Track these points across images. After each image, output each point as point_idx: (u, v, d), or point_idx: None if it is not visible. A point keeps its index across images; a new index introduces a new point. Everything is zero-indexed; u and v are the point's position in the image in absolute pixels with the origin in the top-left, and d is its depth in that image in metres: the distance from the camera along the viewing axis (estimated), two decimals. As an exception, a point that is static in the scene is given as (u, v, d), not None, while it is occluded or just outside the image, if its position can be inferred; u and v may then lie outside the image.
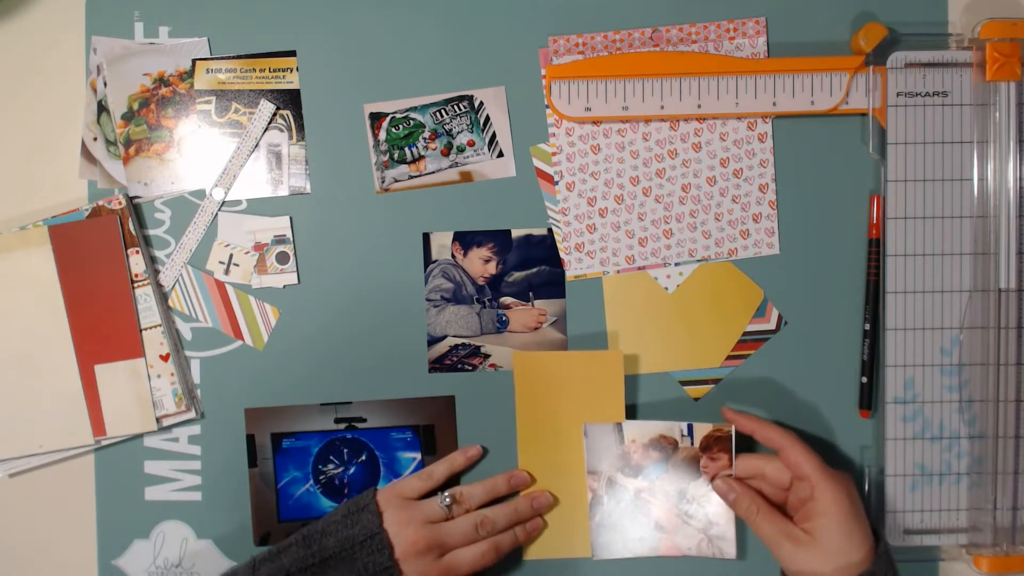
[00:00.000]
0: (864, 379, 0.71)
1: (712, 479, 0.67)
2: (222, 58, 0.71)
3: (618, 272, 0.72)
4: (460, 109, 0.71)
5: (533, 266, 0.72)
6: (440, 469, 0.69)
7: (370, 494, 0.67)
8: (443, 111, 0.71)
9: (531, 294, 0.72)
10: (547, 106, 0.71)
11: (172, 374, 0.70)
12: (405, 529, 0.64)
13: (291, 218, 0.71)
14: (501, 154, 0.71)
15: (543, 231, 0.72)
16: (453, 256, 0.72)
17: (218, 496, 0.71)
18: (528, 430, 0.70)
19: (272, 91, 0.71)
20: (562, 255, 0.72)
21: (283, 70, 0.71)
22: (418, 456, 0.72)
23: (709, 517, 0.68)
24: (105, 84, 0.71)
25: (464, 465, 0.70)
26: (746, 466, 0.67)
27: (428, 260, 0.72)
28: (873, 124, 0.70)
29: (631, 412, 0.71)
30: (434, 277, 0.72)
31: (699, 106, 0.69)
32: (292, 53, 0.71)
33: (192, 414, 0.71)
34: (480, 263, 0.72)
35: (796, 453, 0.64)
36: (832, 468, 0.63)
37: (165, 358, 0.70)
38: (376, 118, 0.71)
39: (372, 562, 0.63)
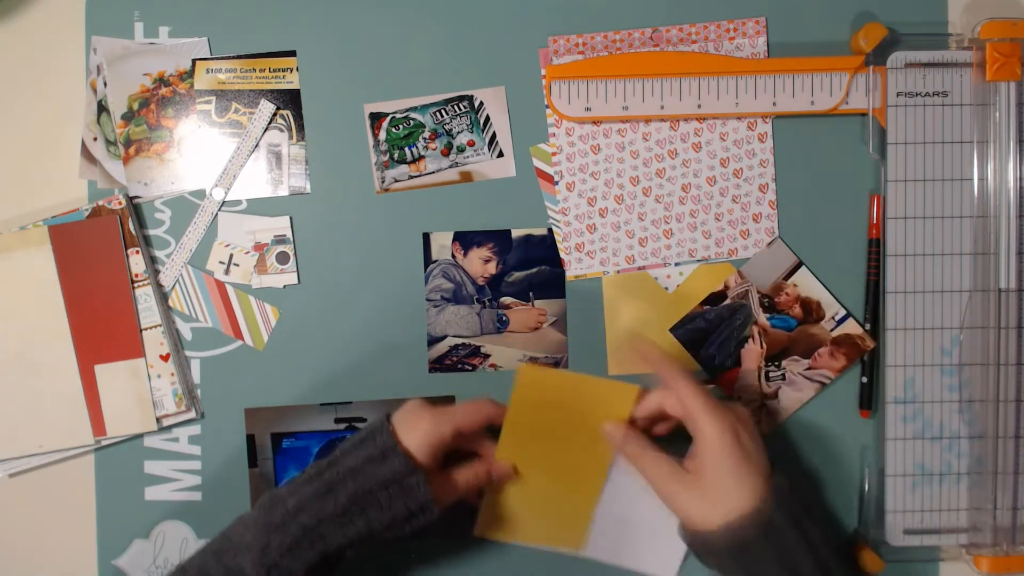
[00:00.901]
0: (864, 379, 0.71)
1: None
2: (222, 58, 0.71)
3: (618, 272, 0.72)
4: (460, 109, 0.71)
5: (533, 266, 0.72)
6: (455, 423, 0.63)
7: (382, 423, 0.62)
8: (443, 111, 0.71)
9: (531, 294, 0.72)
10: (547, 106, 0.71)
11: (172, 374, 0.70)
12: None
13: (291, 218, 0.71)
14: (501, 154, 0.71)
15: (543, 231, 0.72)
16: (453, 256, 0.72)
17: (218, 496, 0.71)
18: (513, 439, 0.66)
19: (272, 91, 0.71)
20: (562, 255, 0.72)
21: (283, 70, 0.71)
22: (418, 456, 0.71)
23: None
24: (105, 84, 0.71)
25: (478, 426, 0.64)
26: (646, 406, 0.63)
27: (428, 260, 0.72)
28: (873, 124, 0.70)
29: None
30: (434, 277, 0.72)
31: (699, 106, 0.69)
32: (292, 53, 0.71)
33: (192, 414, 0.71)
34: (480, 263, 0.72)
35: (680, 387, 0.60)
36: (728, 404, 0.61)
37: (165, 358, 0.70)
38: (376, 118, 0.71)
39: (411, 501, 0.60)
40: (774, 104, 0.69)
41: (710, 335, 0.70)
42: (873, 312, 0.70)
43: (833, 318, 0.70)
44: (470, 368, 0.72)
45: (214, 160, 0.71)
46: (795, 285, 0.70)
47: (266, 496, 0.61)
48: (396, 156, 0.71)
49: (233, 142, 0.71)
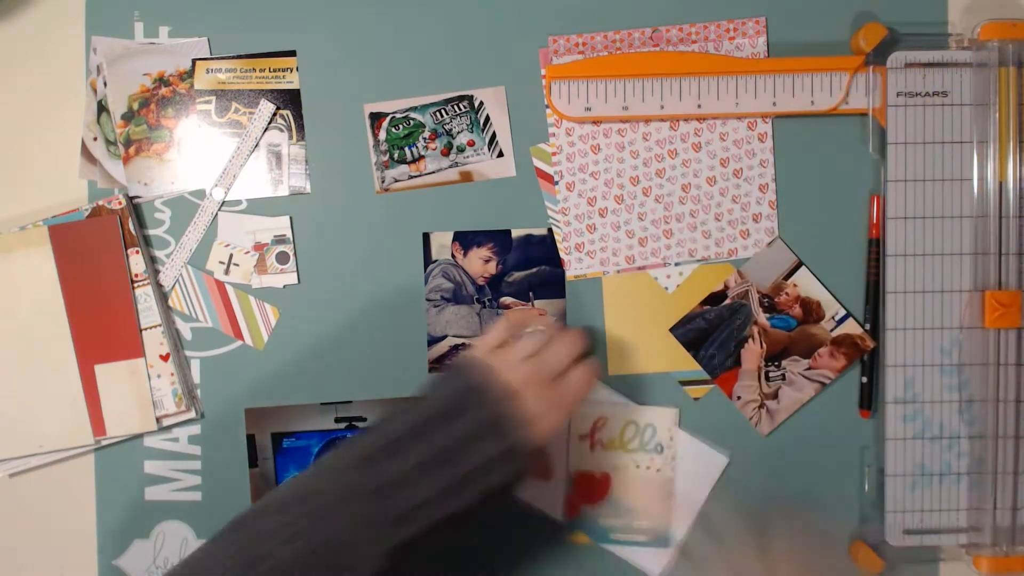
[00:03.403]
0: (864, 379, 0.71)
1: None
2: (222, 58, 0.71)
3: (618, 272, 0.72)
4: (460, 109, 0.71)
5: (533, 266, 0.72)
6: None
7: (466, 367, 0.60)
8: (443, 111, 0.71)
9: (531, 294, 0.72)
10: (547, 106, 0.71)
11: (172, 374, 0.70)
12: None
13: (291, 218, 0.71)
14: (501, 154, 0.71)
15: (543, 231, 0.72)
16: (453, 256, 0.72)
17: (218, 496, 0.71)
18: None
19: (272, 91, 0.71)
20: (562, 255, 0.72)
21: (283, 70, 0.71)
22: (418, 456, 0.71)
23: None
24: (105, 84, 0.71)
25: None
26: None
27: (428, 260, 0.72)
28: (873, 124, 0.70)
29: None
30: (434, 277, 0.72)
31: (699, 106, 0.69)
32: (292, 53, 0.71)
33: (192, 414, 0.71)
34: (480, 263, 0.72)
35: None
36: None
37: (165, 358, 0.70)
38: (376, 118, 0.71)
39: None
40: (774, 104, 0.69)
41: (710, 335, 0.71)
42: (873, 312, 0.70)
43: (833, 318, 0.70)
44: (470, 368, 0.72)
45: (214, 160, 0.71)
46: (795, 285, 0.70)
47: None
48: (396, 156, 0.71)
49: (233, 142, 0.71)
